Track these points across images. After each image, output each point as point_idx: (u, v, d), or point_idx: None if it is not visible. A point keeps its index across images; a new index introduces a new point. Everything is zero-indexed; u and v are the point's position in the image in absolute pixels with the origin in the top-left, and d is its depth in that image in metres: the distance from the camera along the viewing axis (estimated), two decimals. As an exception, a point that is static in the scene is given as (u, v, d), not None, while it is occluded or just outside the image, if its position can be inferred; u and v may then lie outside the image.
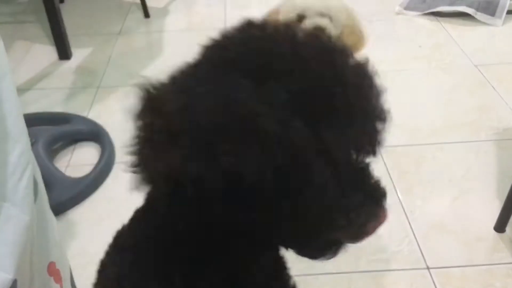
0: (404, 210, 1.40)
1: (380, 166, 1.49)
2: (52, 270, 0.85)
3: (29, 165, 0.74)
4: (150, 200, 0.54)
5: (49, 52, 2.32)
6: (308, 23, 1.32)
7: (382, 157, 1.53)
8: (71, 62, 2.25)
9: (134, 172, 0.47)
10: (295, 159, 0.39)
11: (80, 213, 1.47)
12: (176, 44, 2.38)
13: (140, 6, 2.62)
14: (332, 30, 1.33)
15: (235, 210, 0.42)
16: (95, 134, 1.74)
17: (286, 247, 0.50)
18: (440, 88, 1.95)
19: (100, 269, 0.56)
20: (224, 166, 0.39)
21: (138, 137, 0.44)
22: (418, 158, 1.58)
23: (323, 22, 1.31)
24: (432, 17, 2.48)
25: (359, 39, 1.41)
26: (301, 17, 1.33)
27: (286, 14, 1.36)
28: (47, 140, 1.62)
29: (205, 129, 0.39)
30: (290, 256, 1.33)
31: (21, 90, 2.04)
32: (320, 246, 0.48)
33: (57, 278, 0.87)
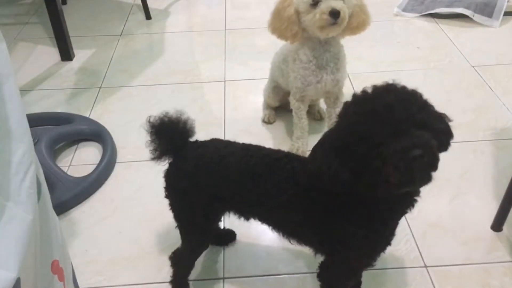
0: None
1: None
2: (56, 268, 0.86)
3: (32, 165, 0.75)
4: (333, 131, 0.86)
5: (51, 53, 2.33)
6: (324, 5, 1.34)
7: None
8: (73, 63, 2.26)
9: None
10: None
11: (81, 212, 1.48)
12: (177, 45, 2.40)
13: (141, 8, 2.64)
14: (347, 10, 1.36)
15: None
16: (97, 134, 1.75)
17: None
18: (438, 89, 1.97)
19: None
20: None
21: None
22: (416, 158, 1.59)
23: (338, 4, 1.34)
24: (430, 19, 2.49)
25: (366, 17, 1.45)
26: (315, 1, 1.36)
27: None
28: (50, 140, 1.64)
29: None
30: (289, 256, 1.35)
31: (24, 90, 2.06)
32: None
33: (61, 276, 0.88)
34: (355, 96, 0.82)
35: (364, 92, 0.81)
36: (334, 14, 1.34)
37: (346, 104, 0.83)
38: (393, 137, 0.74)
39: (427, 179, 0.78)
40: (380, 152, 0.75)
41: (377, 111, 0.76)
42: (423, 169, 0.75)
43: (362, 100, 0.80)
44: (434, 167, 0.77)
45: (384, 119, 0.75)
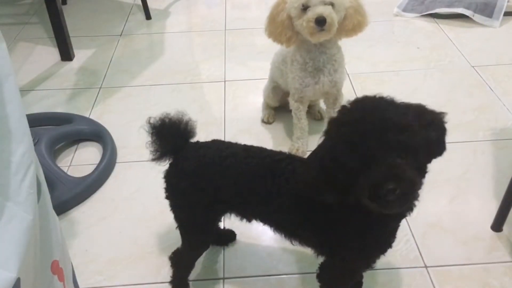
0: (402, 210, 1.41)
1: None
2: (56, 269, 0.85)
3: (32, 165, 0.75)
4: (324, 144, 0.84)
5: (51, 53, 2.33)
6: (311, 13, 1.34)
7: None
8: (73, 63, 2.26)
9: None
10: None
11: (81, 213, 1.48)
12: (177, 45, 2.40)
13: (141, 8, 2.64)
14: (335, 17, 1.35)
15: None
16: (97, 134, 1.75)
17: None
18: (438, 89, 1.96)
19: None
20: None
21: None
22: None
23: (326, 10, 1.33)
24: (430, 19, 2.49)
25: (363, 18, 1.44)
26: (305, 6, 1.36)
27: (291, 4, 1.38)
28: (50, 140, 1.64)
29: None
30: (289, 256, 1.35)
31: (24, 90, 2.06)
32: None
33: (61, 276, 0.88)
34: (337, 115, 0.81)
35: (344, 112, 0.80)
36: (320, 22, 1.34)
37: (331, 121, 0.82)
38: (369, 167, 0.74)
39: (407, 206, 0.78)
40: (357, 181, 0.75)
41: (352, 140, 0.75)
42: (398, 200, 0.74)
43: (340, 123, 0.79)
44: (412, 197, 0.77)
45: (359, 148, 0.74)
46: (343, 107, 0.81)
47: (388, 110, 0.77)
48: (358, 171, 0.75)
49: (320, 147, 0.85)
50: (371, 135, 0.74)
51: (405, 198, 0.75)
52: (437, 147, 0.83)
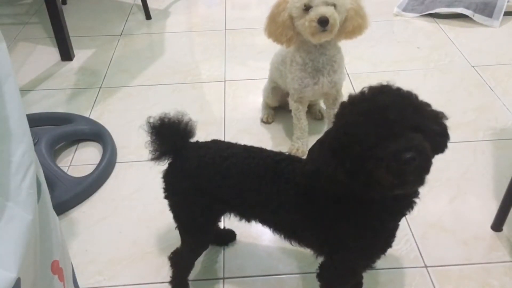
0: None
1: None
2: (56, 269, 0.85)
3: (32, 165, 0.75)
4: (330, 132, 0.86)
5: (51, 53, 2.33)
6: (314, 13, 1.34)
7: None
8: (73, 63, 2.26)
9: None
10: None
11: (81, 212, 1.48)
12: (177, 45, 2.40)
13: (141, 8, 2.64)
14: (337, 17, 1.35)
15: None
16: (97, 134, 1.75)
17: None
18: (438, 89, 1.97)
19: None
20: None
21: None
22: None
23: (328, 11, 1.33)
24: (430, 19, 2.49)
25: (363, 20, 1.44)
26: (307, 7, 1.35)
27: (293, 4, 1.38)
28: (50, 140, 1.64)
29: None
30: (289, 256, 1.35)
31: (24, 90, 2.06)
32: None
33: (61, 276, 0.88)
34: (351, 97, 0.82)
35: (360, 93, 0.81)
36: (322, 23, 1.34)
37: (343, 104, 0.83)
38: (386, 139, 0.75)
39: (419, 182, 0.78)
40: (373, 154, 0.75)
41: (371, 113, 0.76)
42: (415, 172, 0.75)
43: (357, 101, 0.81)
44: (426, 170, 0.77)
45: (378, 121, 0.75)
46: (359, 91, 0.82)
47: (404, 91, 0.81)
48: (374, 145, 0.75)
49: (328, 132, 0.86)
50: (392, 109, 0.76)
51: (420, 174, 0.77)
52: (441, 141, 0.84)
